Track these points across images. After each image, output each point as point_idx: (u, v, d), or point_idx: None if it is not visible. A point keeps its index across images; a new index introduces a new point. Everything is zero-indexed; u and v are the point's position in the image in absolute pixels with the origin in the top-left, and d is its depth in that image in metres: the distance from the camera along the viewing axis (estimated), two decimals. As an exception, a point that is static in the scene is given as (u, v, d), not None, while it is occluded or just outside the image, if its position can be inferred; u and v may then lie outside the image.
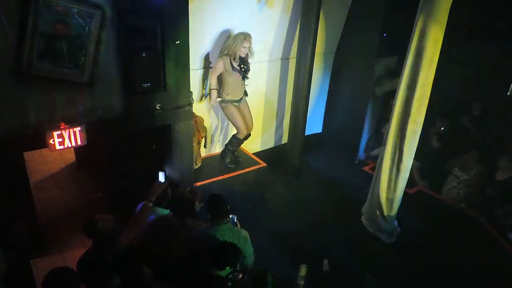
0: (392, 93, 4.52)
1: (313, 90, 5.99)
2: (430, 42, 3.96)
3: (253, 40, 4.97)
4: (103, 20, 3.35)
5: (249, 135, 5.39)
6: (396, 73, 4.58)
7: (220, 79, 4.90)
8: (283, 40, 5.62)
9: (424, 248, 4.78)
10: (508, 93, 3.38)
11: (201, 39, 4.75)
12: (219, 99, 4.94)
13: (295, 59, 5.56)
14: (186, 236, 3.31)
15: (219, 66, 4.76)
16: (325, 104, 6.74)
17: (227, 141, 5.44)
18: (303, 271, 3.61)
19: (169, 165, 4.38)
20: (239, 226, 3.55)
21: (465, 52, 5.36)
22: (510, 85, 4.92)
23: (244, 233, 3.36)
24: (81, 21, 3.28)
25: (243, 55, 4.78)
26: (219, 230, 3.23)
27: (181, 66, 4.06)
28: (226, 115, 5.16)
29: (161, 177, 2.98)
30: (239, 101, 5.05)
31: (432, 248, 4.77)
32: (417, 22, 3.98)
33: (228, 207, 3.33)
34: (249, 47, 4.77)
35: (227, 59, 4.75)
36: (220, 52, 4.82)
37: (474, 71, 5.28)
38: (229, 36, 4.88)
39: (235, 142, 5.28)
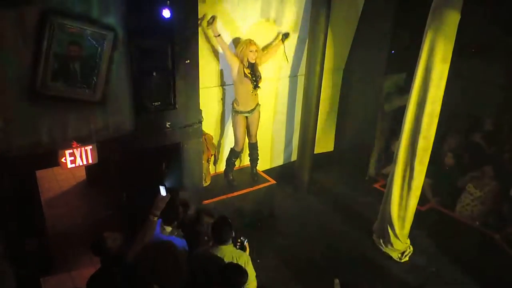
0: (402, 110, 4.50)
1: (323, 108, 6.00)
2: (439, 58, 3.96)
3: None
4: (116, 41, 3.43)
5: (255, 145, 5.38)
6: (405, 90, 4.58)
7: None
8: (291, 57, 5.68)
9: (438, 267, 4.66)
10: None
11: (209, 59, 4.83)
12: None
13: (304, 76, 5.59)
14: (188, 257, 3.24)
15: (235, 61, 4.72)
16: (335, 121, 6.72)
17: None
18: (336, 283, 3.55)
19: (179, 183, 4.39)
20: (248, 250, 3.47)
21: (475, 68, 5.34)
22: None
23: (246, 256, 3.28)
24: (94, 42, 3.36)
25: (252, 61, 4.79)
26: (220, 252, 3.18)
27: (191, 85, 4.12)
28: (232, 123, 5.20)
29: (162, 191, 2.98)
30: (250, 112, 5.05)
31: (446, 267, 4.65)
32: (426, 39, 3.99)
33: (233, 230, 3.29)
34: (256, 52, 4.79)
35: (241, 65, 4.77)
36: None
37: (484, 86, 5.25)
38: (236, 45, 4.94)
39: (232, 155, 5.30)
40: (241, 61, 4.76)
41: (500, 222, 5.03)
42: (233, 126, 5.19)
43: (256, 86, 4.92)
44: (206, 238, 3.64)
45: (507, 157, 5.39)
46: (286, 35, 5.20)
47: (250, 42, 4.76)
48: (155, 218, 2.94)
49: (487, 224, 5.12)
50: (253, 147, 5.42)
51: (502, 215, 5.06)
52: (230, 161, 5.38)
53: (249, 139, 5.36)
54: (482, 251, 4.77)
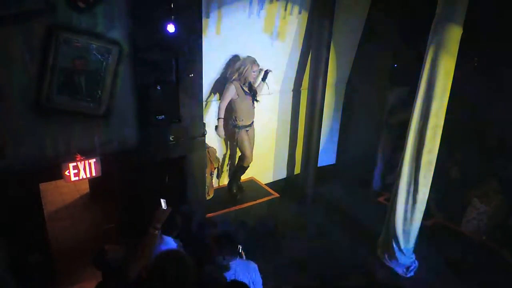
0: (405, 123, 4.50)
1: (326, 121, 6.01)
2: (442, 72, 3.97)
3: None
4: (120, 55, 3.47)
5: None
6: (408, 103, 4.59)
7: (229, 106, 4.94)
8: (294, 71, 5.72)
9: (444, 282, 4.59)
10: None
11: (211, 73, 4.88)
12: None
13: (307, 90, 5.62)
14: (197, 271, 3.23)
15: (231, 91, 4.79)
16: (338, 134, 6.73)
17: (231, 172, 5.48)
18: None
19: (182, 196, 4.37)
20: (244, 257, 3.48)
21: (479, 81, 5.35)
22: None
23: (253, 264, 3.31)
24: (99, 57, 3.40)
25: (253, 80, 4.86)
26: (232, 266, 3.18)
27: (195, 98, 4.14)
28: (236, 142, 5.16)
29: (163, 204, 2.98)
30: (250, 125, 5.11)
31: (452, 283, 4.57)
32: (428, 53, 4.01)
33: (238, 245, 3.29)
34: (258, 72, 4.90)
35: (238, 85, 4.82)
36: (229, 78, 4.88)
37: (488, 99, 5.25)
38: (235, 61, 4.96)
39: (238, 170, 5.31)
40: (240, 79, 4.82)
41: (507, 237, 4.96)
42: (239, 143, 5.16)
43: (255, 100, 5.04)
44: (209, 251, 3.61)
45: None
46: (267, 72, 5.17)
47: (254, 62, 4.83)
48: (156, 231, 2.93)
49: (493, 238, 5.05)
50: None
51: (509, 229, 4.99)
52: (235, 176, 5.38)
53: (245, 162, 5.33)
54: (489, 266, 4.71)
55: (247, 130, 5.11)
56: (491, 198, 5.10)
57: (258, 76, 5.02)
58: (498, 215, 5.09)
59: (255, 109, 5.16)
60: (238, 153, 5.39)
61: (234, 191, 5.35)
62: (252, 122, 5.15)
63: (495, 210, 5.09)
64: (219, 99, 5.07)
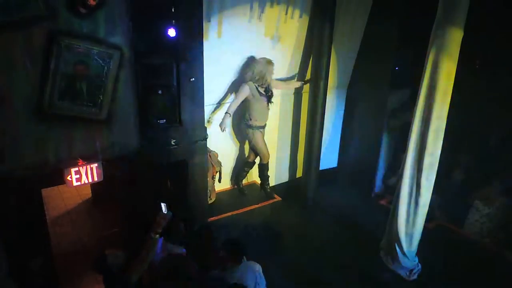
0: (407, 126, 4.49)
1: (327, 124, 6.01)
2: (443, 75, 3.96)
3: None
4: (121, 60, 3.48)
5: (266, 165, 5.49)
6: (409, 106, 4.59)
7: (244, 106, 5.03)
8: (295, 74, 5.72)
9: (447, 285, 4.56)
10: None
11: (213, 76, 4.88)
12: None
13: (308, 93, 5.62)
14: (200, 276, 3.23)
15: (245, 91, 4.91)
16: (339, 137, 6.72)
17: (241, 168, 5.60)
18: None
19: (183, 200, 4.37)
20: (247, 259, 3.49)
21: (481, 84, 5.35)
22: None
23: (258, 266, 3.33)
24: (101, 62, 3.41)
25: (269, 81, 4.96)
26: (238, 269, 3.19)
27: (196, 102, 4.14)
28: (250, 141, 5.25)
29: (164, 208, 2.97)
30: (264, 127, 5.19)
31: (456, 286, 4.55)
32: (429, 56, 4.00)
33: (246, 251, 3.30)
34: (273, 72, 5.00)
35: (253, 85, 4.91)
36: (245, 79, 4.99)
37: (490, 102, 5.24)
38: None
39: (264, 169, 5.44)
40: (258, 80, 4.90)
41: (510, 239, 4.94)
42: (254, 144, 5.26)
43: (270, 102, 5.12)
44: (211, 255, 3.61)
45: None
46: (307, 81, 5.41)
47: (270, 63, 4.92)
48: (157, 236, 2.93)
49: (496, 240, 5.03)
50: (264, 167, 5.54)
51: (511, 231, 4.98)
52: (264, 176, 5.51)
53: (254, 158, 5.47)
54: (492, 269, 4.68)
55: (261, 131, 5.19)
56: (493, 200, 5.09)
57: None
58: (500, 217, 5.08)
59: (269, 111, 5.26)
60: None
61: (268, 189, 5.52)
62: (265, 125, 5.24)
63: (498, 212, 5.07)
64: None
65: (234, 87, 5.19)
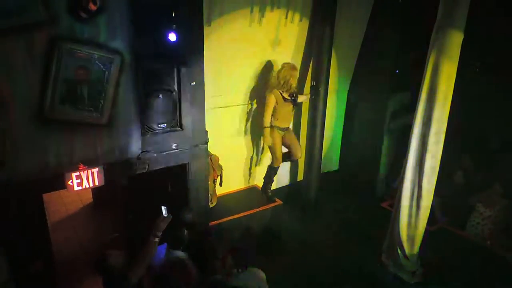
0: (408, 128, 4.49)
1: (328, 127, 6.01)
2: (443, 77, 3.96)
3: (267, 77, 5.20)
4: (122, 65, 3.49)
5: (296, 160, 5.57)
6: (410, 108, 4.59)
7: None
8: (296, 78, 5.72)
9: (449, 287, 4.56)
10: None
11: (214, 78, 4.89)
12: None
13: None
14: (202, 281, 3.22)
15: (272, 101, 4.98)
16: (340, 141, 6.72)
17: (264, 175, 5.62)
18: None
19: (185, 204, 4.36)
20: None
21: (483, 86, 5.36)
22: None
23: (262, 274, 3.30)
24: (101, 66, 3.41)
25: (294, 85, 5.02)
26: (242, 275, 3.17)
27: (197, 106, 4.15)
28: (266, 141, 5.21)
29: (164, 211, 2.97)
30: (284, 129, 5.20)
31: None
32: (429, 59, 4.01)
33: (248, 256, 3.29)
34: (297, 76, 5.10)
35: (277, 93, 4.98)
36: (269, 86, 5.09)
37: (489, 104, 5.25)
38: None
39: (272, 172, 5.42)
40: (281, 86, 4.97)
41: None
42: (273, 144, 5.23)
43: (295, 105, 5.17)
44: (214, 259, 3.60)
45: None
46: (313, 88, 5.39)
47: (293, 67, 4.99)
48: (156, 239, 2.93)
49: (498, 243, 5.02)
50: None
51: (513, 234, 4.98)
52: (269, 179, 5.48)
53: (295, 156, 5.52)
54: (494, 271, 4.67)
55: (280, 132, 5.20)
56: (495, 202, 5.08)
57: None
58: (502, 219, 5.07)
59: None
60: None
61: (269, 193, 5.50)
62: (287, 128, 5.28)
63: (499, 214, 5.07)
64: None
65: (256, 93, 5.34)
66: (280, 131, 5.19)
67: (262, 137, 5.34)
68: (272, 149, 5.29)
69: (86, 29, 3.26)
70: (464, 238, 5.27)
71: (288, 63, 5.07)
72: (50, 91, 3.24)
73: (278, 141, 5.20)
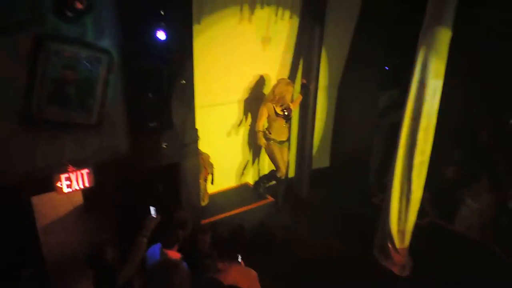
0: (398, 124, 4.53)
1: (319, 124, 6.03)
2: (432, 74, 4.01)
3: (257, 75, 5.15)
4: (111, 64, 3.45)
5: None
6: (400, 105, 4.64)
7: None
8: (286, 75, 5.72)
9: (439, 280, 4.63)
10: (511, 121, 3.40)
11: (204, 77, 4.87)
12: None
13: (298, 94, 5.63)
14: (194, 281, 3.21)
15: (264, 113, 5.13)
16: (331, 137, 6.75)
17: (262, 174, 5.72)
18: None
19: (177, 204, 4.34)
20: (243, 264, 3.46)
21: (470, 81, 5.43)
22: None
23: (254, 272, 3.29)
24: (89, 66, 3.37)
25: (288, 101, 5.14)
26: (230, 272, 3.16)
27: (187, 104, 4.13)
28: (267, 152, 5.37)
29: (153, 211, 2.97)
30: (281, 143, 5.28)
31: (447, 280, 4.61)
32: (418, 56, 4.05)
33: (237, 250, 3.28)
34: (292, 92, 5.18)
35: (270, 106, 5.10)
36: (264, 100, 5.19)
37: (479, 99, 5.33)
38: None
39: (273, 178, 5.48)
40: (276, 101, 5.07)
41: (499, 234, 5.02)
42: (269, 154, 5.35)
43: (288, 120, 5.25)
44: (205, 256, 3.60)
45: (502, 169, 5.42)
46: (304, 86, 5.45)
47: (288, 83, 5.08)
48: (145, 239, 2.93)
49: (486, 236, 5.11)
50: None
51: (500, 227, 5.06)
52: (267, 180, 5.57)
53: (279, 171, 5.50)
54: (482, 264, 4.75)
55: (278, 145, 5.29)
56: (483, 196, 5.17)
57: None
58: (490, 213, 5.16)
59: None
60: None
61: (260, 191, 5.56)
62: (284, 141, 5.34)
63: (487, 208, 5.15)
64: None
65: (249, 106, 5.51)
66: (277, 144, 5.27)
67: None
68: (273, 161, 5.38)
69: (72, 28, 3.21)
70: (454, 232, 5.36)
71: (284, 78, 5.20)
72: (37, 92, 3.19)
73: (277, 151, 5.29)
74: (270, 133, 5.21)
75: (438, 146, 4.49)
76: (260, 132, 5.17)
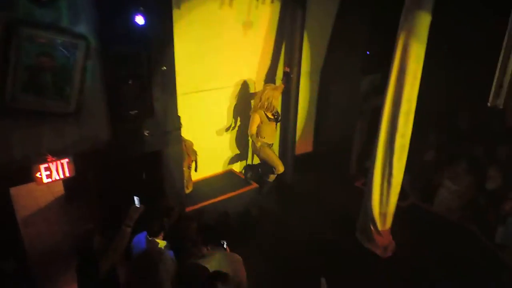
0: (379, 109, 4.58)
1: (302, 109, 6.04)
2: (412, 58, 4.04)
3: (239, 61, 5.05)
4: (88, 50, 3.35)
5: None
6: (381, 89, 4.68)
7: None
8: (269, 60, 5.69)
9: (420, 260, 4.77)
10: (489, 104, 3.47)
11: (186, 63, 4.79)
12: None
13: (281, 79, 5.61)
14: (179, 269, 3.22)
15: (257, 120, 5.21)
16: (314, 122, 6.78)
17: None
18: (323, 283, 3.60)
19: (160, 192, 4.31)
20: (228, 251, 3.49)
21: (449, 66, 5.50)
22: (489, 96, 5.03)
23: (238, 257, 3.32)
24: (66, 52, 3.27)
25: (277, 104, 5.26)
26: (214, 258, 3.17)
27: (168, 91, 4.06)
28: (261, 156, 5.45)
29: (136, 201, 2.97)
30: (271, 145, 5.45)
31: (428, 260, 4.76)
32: (399, 40, 4.07)
33: (221, 235, 3.29)
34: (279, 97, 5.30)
35: (262, 113, 5.19)
36: (253, 108, 5.28)
37: (458, 83, 5.41)
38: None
39: (268, 172, 5.60)
40: (264, 107, 5.18)
41: (477, 214, 5.18)
42: (265, 157, 5.45)
43: (278, 122, 5.46)
44: (190, 244, 3.59)
45: (480, 151, 5.56)
46: (286, 74, 5.44)
47: (275, 88, 5.19)
48: (128, 229, 2.93)
49: (464, 216, 5.27)
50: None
51: (478, 207, 5.21)
52: (261, 172, 5.67)
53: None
54: (461, 243, 4.91)
55: (269, 147, 5.41)
56: (461, 178, 5.30)
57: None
58: (469, 194, 5.30)
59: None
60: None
61: (248, 175, 5.69)
62: (273, 143, 5.50)
63: (466, 189, 5.29)
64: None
65: (238, 112, 5.63)
66: (268, 147, 5.40)
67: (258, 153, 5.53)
68: (269, 162, 5.47)
69: (46, 13, 3.10)
70: (433, 213, 5.50)
71: (270, 84, 5.29)
72: (11, 79, 3.08)
73: (270, 152, 5.43)
74: (263, 138, 5.33)
75: (418, 130, 4.57)
76: (254, 136, 5.29)
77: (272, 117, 5.30)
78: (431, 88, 4.72)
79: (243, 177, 5.78)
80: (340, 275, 4.48)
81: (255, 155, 6.21)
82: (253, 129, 5.26)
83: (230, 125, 5.71)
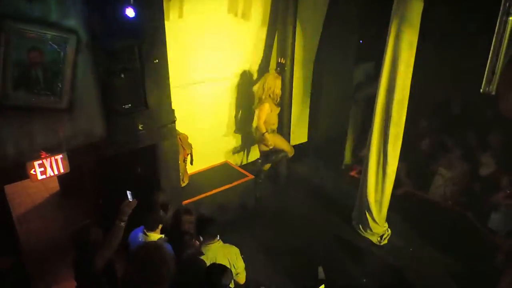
0: (373, 98, 4.59)
1: (296, 99, 6.03)
2: (405, 45, 4.05)
3: (232, 52, 5.00)
4: (79, 44, 3.29)
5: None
6: (375, 78, 4.68)
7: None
8: (262, 51, 5.66)
9: (416, 247, 4.82)
10: (481, 90, 3.49)
11: (179, 55, 4.75)
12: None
13: (274, 70, 5.57)
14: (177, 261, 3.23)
15: (267, 109, 5.27)
16: (308, 112, 6.78)
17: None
18: (320, 271, 3.64)
19: (156, 185, 4.30)
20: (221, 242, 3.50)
21: (441, 53, 5.50)
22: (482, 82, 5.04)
23: (235, 249, 3.34)
24: (56, 47, 3.21)
25: (279, 92, 5.31)
26: (210, 249, 3.19)
27: (162, 84, 4.02)
28: (270, 144, 5.45)
29: (129, 196, 2.96)
30: (273, 131, 5.50)
31: (423, 247, 4.82)
32: (391, 27, 4.07)
33: (216, 228, 3.30)
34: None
35: (270, 101, 5.24)
36: (259, 99, 5.31)
37: (450, 71, 5.42)
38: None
39: (281, 157, 5.70)
40: (271, 96, 5.24)
41: (471, 201, 5.23)
42: (275, 144, 5.47)
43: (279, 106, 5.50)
44: (188, 237, 3.60)
45: (473, 137, 5.60)
46: (280, 66, 5.43)
47: (276, 77, 5.21)
48: (122, 224, 2.93)
49: (459, 203, 5.32)
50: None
51: (472, 194, 5.26)
52: (275, 158, 5.69)
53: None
54: (456, 229, 4.97)
55: (273, 133, 5.49)
56: (455, 165, 5.34)
57: None
58: (462, 181, 5.35)
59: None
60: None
61: (261, 166, 5.69)
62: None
63: (460, 176, 5.34)
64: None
65: (233, 104, 5.64)
66: (273, 132, 5.50)
67: (261, 145, 5.57)
68: (280, 147, 5.53)
69: (34, 7, 3.03)
70: (428, 201, 5.55)
71: (271, 73, 5.30)
72: (1, 76, 3.02)
73: (276, 138, 5.50)
74: (273, 124, 5.40)
75: (412, 118, 4.59)
76: (266, 134, 5.32)
77: (276, 103, 5.38)
78: (424, 75, 4.73)
79: (239, 169, 5.77)
80: (337, 263, 4.54)
81: (251, 148, 6.24)
82: (262, 125, 5.31)
83: (227, 117, 5.68)
